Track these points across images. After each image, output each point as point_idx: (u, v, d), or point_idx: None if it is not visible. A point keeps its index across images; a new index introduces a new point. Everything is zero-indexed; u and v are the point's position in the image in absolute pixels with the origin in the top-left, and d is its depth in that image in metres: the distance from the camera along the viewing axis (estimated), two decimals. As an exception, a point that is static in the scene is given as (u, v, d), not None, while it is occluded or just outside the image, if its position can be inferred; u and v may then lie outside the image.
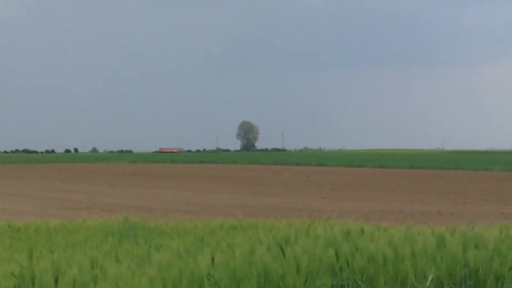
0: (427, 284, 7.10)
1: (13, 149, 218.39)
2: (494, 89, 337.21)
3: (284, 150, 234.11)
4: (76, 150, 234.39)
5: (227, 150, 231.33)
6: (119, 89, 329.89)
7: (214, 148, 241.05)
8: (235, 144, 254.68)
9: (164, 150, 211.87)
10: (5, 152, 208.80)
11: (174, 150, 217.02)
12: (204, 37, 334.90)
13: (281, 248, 7.29)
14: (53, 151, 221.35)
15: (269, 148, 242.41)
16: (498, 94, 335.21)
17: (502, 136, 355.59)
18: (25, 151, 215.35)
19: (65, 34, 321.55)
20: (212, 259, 6.92)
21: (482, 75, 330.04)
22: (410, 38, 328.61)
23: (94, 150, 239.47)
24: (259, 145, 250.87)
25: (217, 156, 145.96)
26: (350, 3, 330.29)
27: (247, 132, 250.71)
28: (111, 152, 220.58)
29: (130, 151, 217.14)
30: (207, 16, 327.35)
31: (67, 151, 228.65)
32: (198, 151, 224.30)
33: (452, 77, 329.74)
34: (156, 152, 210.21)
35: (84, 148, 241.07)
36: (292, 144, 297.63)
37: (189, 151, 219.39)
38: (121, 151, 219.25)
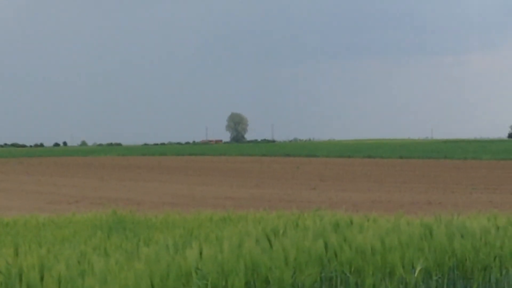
0: (415, 275, 7.11)
1: (2, 143, 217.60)
2: (482, 78, 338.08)
3: (273, 141, 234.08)
4: (65, 143, 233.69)
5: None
6: (108, 82, 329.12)
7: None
8: (224, 136, 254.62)
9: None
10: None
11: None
12: (193, 29, 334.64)
13: (269, 241, 7.28)
14: (42, 145, 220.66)
15: (259, 139, 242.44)
16: (486, 83, 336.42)
17: (491, 125, 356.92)
18: (13, 145, 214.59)
19: (53, 28, 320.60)
20: (200, 253, 6.90)
21: (470, 64, 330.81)
22: (398, 28, 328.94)
23: (83, 143, 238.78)
24: (248, 136, 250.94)
25: (207, 148, 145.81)
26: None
27: (237, 124, 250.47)
28: (100, 145, 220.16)
29: (120, 144, 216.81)
30: (196, 7, 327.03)
31: (56, 144, 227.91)
32: (187, 143, 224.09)
33: (440, 66, 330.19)
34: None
35: (73, 142, 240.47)
36: (282, 135, 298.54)
37: (179, 143, 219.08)
38: (110, 144, 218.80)
